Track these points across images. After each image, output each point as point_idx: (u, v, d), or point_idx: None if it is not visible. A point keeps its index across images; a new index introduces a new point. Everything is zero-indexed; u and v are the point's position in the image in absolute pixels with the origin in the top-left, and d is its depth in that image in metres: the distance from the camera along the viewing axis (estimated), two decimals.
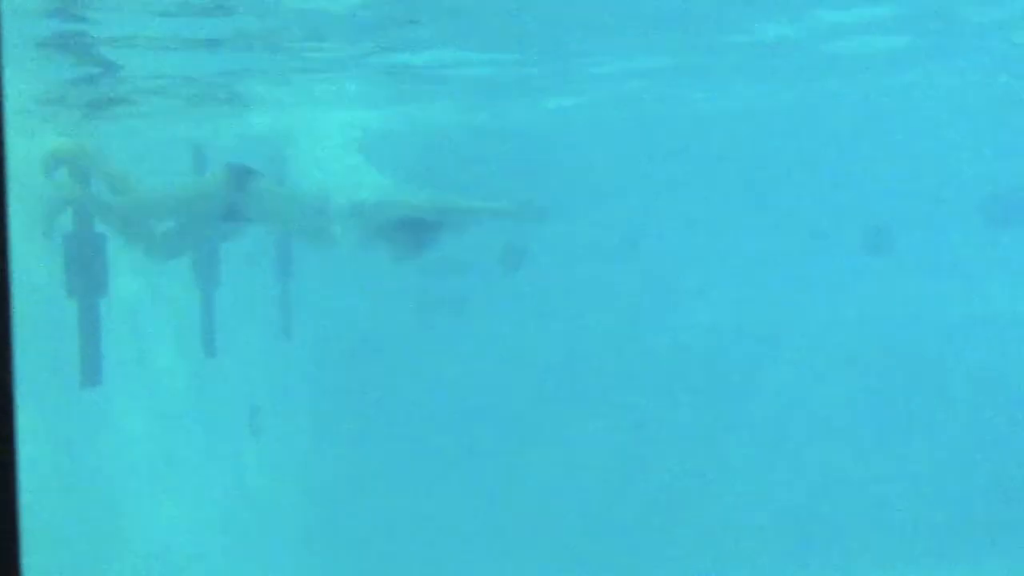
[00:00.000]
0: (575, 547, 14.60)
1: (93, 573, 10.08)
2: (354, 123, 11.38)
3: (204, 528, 12.01)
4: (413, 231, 8.56)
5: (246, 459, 13.18)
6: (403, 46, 9.37)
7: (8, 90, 1.54)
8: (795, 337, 15.53)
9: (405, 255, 8.73)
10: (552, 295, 15.30)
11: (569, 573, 14.36)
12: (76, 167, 9.18)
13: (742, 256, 15.34)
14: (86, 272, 10.24)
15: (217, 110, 11.43)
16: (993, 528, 14.41)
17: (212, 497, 12.40)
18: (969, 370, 15.23)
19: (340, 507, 14.72)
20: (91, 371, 10.36)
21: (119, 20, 7.62)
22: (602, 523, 14.92)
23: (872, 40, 10.84)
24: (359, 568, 14.57)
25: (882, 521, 14.81)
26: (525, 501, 14.98)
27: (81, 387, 10.25)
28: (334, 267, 14.09)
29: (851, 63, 12.00)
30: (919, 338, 15.46)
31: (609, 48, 10.30)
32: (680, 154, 14.81)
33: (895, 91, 14.08)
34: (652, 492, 15.07)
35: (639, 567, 14.55)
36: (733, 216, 15.08)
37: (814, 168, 14.94)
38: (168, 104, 10.64)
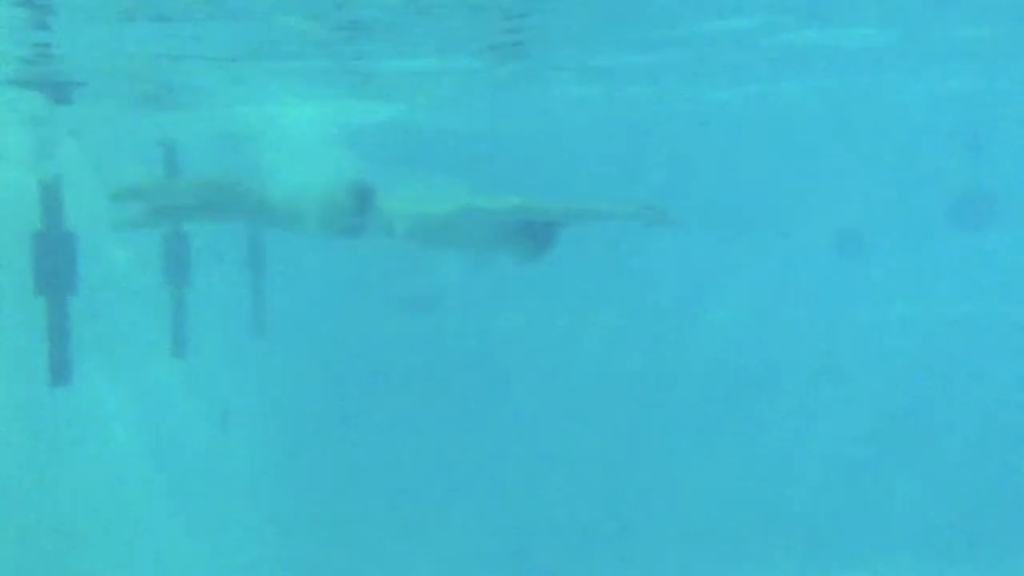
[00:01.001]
0: (548, 546, 14.60)
1: (60, 569, 10.01)
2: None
3: (172, 527, 11.94)
4: (535, 236, 8.58)
5: (216, 460, 13.12)
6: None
7: None
8: (765, 339, 15.57)
9: (528, 260, 8.71)
10: (523, 295, 15.30)
11: (545, 572, 14.36)
12: (149, 200, 9.02)
13: (710, 258, 15.38)
14: (55, 271, 10.19)
15: (185, 104, 11.38)
16: (965, 527, 14.48)
17: (181, 497, 12.33)
18: (942, 371, 15.31)
19: (312, 507, 14.67)
20: (60, 370, 10.30)
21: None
22: (575, 523, 14.92)
23: (842, 41, 10.88)
24: (332, 567, 14.53)
25: (855, 521, 14.87)
26: (499, 499, 14.97)
27: (50, 387, 10.19)
28: (306, 267, 14.04)
29: (821, 64, 12.04)
30: (890, 340, 15.53)
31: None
32: (634, 155, 14.83)
33: (865, 93, 14.15)
34: (626, 492, 15.09)
35: (612, 568, 14.56)
36: (698, 216, 15.09)
37: (782, 170, 14.98)
38: (132, 95, 10.60)
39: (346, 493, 15.04)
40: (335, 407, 15.27)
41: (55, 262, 10.18)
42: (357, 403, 15.28)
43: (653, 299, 15.69)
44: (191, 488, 12.64)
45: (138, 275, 12.05)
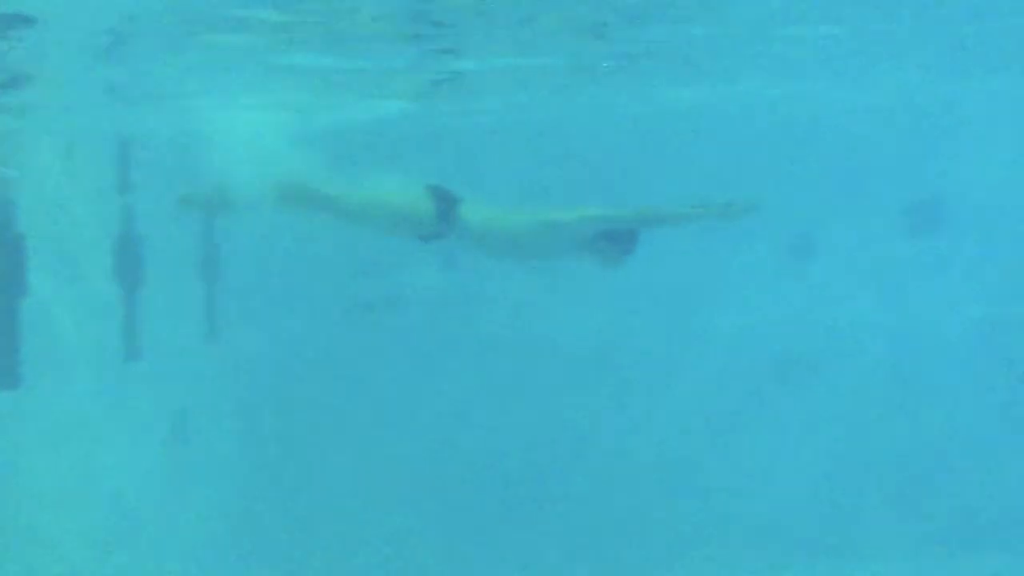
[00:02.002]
0: (502, 545, 14.58)
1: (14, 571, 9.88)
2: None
3: (124, 531, 11.83)
4: (617, 241, 8.62)
5: (169, 463, 13.01)
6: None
7: None
8: (714, 340, 15.61)
9: (612, 264, 8.74)
10: (485, 295, 15.28)
11: (497, 572, 14.34)
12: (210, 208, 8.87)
13: (661, 259, 15.38)
14: (5, 273, 10.07)
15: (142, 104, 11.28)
16: (918, 527, 14.58)
17: (133, 501, 12.21)
18: (888, 374, 15.41)
19: (266, 510, 14.58)
20: (10, 374, 10.17)
21: None
22: (529, 521, 14.91)
23: (797, 43, 10.92)
24: (289, 568, 14.44)
25: (805, 521, 14.93)
26: (457, 500, 14.93)
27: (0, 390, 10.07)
28: (263, 268, 13.94)
29: (775, 65, 12.08)
30: (840, 342, 15.61)
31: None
32: (592, 156, 14.83)
33: (819, 96, 14.22)
34: (588, 491, 15.09)
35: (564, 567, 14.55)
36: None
37: (735, 172, 15.02)
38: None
39: (302, 495, 14.96)
40: (291, 409, 15.18)
41: (5, 264, 10.05)
42: (313, 405, 15.19)
43: (606, 301, 15.70)
44: (145, 490, 12.52)
45: (91, 277, 11.91)
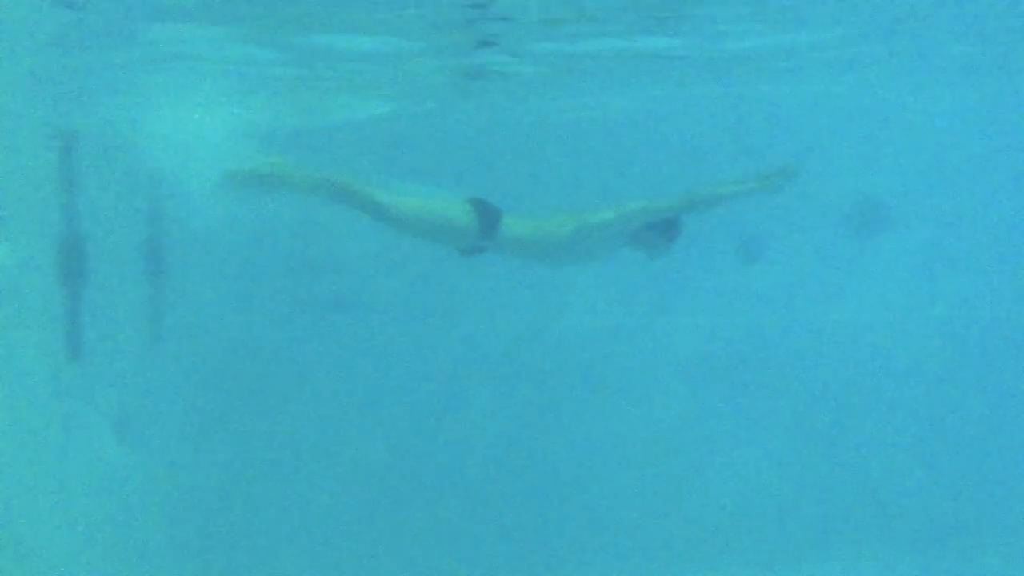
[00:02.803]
0: (450, 547, 14.54)
1: None
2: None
3: (65, 533, 11.68)
4: (662, 230, 8.68)
5: (113, 466, 12.87)
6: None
7: None
8: (661, 342, 15.64)
9: (658, 254, 8.83)
10: (430, 296, 15.23)
11: (450, 572, 14.30)
12: (266, 186, 8.71)
13: (612, 261, 15.38)
14: None
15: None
16: (853, 528, 14.68)
17: (77, 504, 12.07)
18: (833, 376, 15.49)
19: (213, 513, 14.47)
20: None
21: None
22: (481, 522, 14.89)
23: (743, 45, 10.97)
24: (230, 570, 14.33)
25: (741, 522, 14.99)
26: (405, 500, 14.87)
27: None
28: (208, 269, 13.83)
29: (724, 68, 12.13)
30: (784, 344, 15.68)
31: None
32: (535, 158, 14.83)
33: (764, 97, 14.29)
34: (535, 491, 15.06)
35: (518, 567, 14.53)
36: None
37: (683, 173, 15.04)
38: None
39: (251, 496, 14.86)
40: (237, 411, 15.07)
41: None
42: (260, 408, 15.09)
43: (559, 301, 15.71)
44: (86, 493, 12.37)
45: (33, 276, 11.75)
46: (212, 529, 14.46)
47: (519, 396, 15.36)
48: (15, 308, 11.22)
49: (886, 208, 15.75)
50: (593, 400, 15.41)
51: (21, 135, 11.14)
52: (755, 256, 16.01)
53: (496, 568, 14.61)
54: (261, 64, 10.68)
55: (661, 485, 15.20)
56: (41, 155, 10.96)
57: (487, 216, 8.59)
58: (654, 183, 9.56)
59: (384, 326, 15.24)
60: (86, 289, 11.89)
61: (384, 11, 8.68)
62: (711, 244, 15.25)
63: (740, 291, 15.93)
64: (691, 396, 15.38)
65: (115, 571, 12.57)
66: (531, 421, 15.37)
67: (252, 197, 8.71)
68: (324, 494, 14.92)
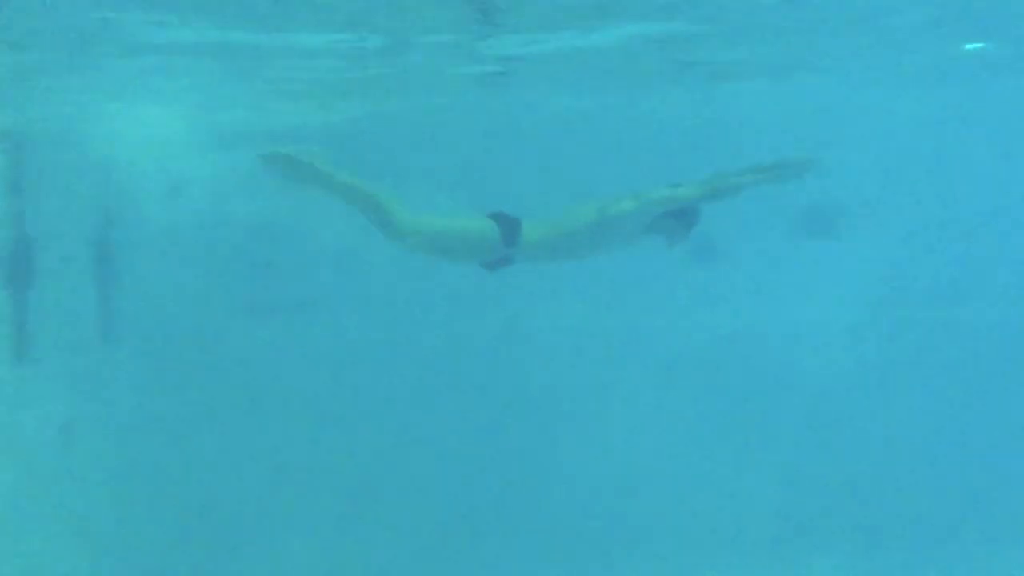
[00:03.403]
0: (411, 550, 14.50)
1: None
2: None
3: (12, 536, 11.56)
4: (681, 218, 8.67)
5: (59, 467, 12.76)
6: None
7: None
8: (614, 345, 15.68)
9: (677, 241, 8.76)
10: (383, 298, 15.18)
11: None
12: (296, 175, 8.54)
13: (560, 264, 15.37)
14: None
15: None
16: (809, 528, 14.73)
17: (24, 508, 11.95)
18: (782, 377, 15.56)
19: (158, 514, 14.36)
20: None
21: None
22: (441, 525, 14.85)
23: (696, 48, 10.97)
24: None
25: (698, 523, 15.02)
26: (359, 503, 14.80)
27: None
28: (159, 271, 13.73)
29: (679, 70, 12.13)
30: (735, 345, 15.75)
31: None
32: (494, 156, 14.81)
33: (718, 99, 14.30)
34: (495, 492, 15.04)
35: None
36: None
37: (636, 175, 15.05)
38: None
39: (198, 499, 14.75)
40: (187, 414, 14.97)
41: None
42: (210, 410, 15.00)
43: (498, 304, 15.72)
44: (32, 496, 12.25)
45: None
46: (165, 529, 14.37)
47: (481, 395, 15.35)
48: None
49: (837, 211, 15.83)
50: (559, 399, 15.42)
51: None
52: (710, 257, 16.07)
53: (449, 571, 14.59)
54: (218, 60, 10.61)
55: (622, 484, 15.22)
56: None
57: (508, 227, 8.53)
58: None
59: (344, 327, 15.19)
60: (33, 291, 11.77)
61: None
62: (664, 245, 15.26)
63: (698, 292, 15.98)
64: (654, 396, 15.42)
65: (68, 571, 12.49)
66: (495, 421, 15.36)
67: (282, 184, 8.57)
68: (280, 493, 14.84)
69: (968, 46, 11.64)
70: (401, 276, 14.24)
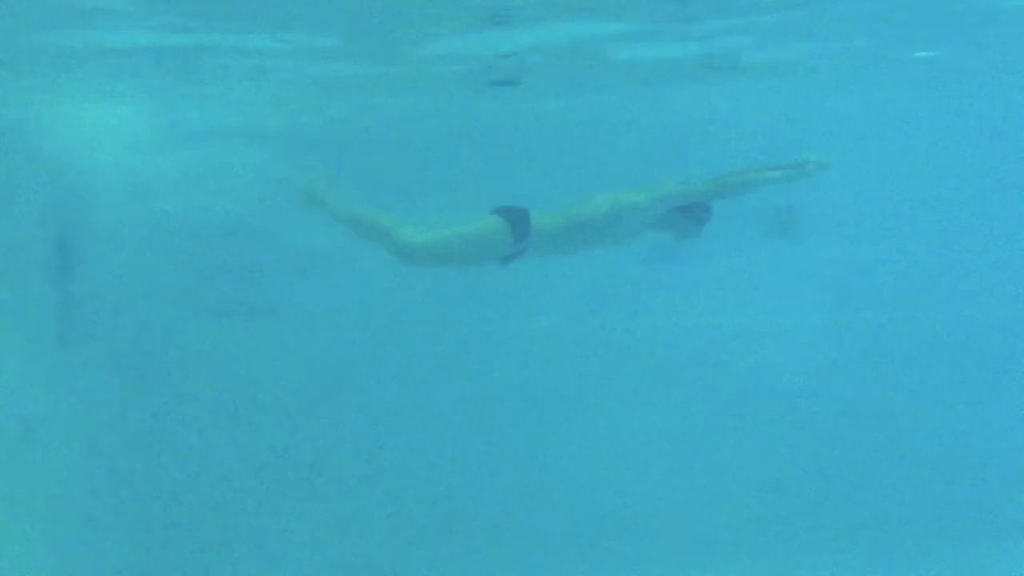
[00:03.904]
0: (384, 552, 14.44)
1: None
2: None
3: None
4: (693, 214, 8.71)
5: (17, 472, 12.60)
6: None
7: None
8: (579, 347, 15.65)
9: (689, 237, 8.84)
10: (346, 302, 15.09)
11: None
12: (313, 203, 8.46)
13: (524, 265, 15.34)
14: None
15: None
16: (764, 527, 14.78)
17: None
18: (748, 379, 15.59)
19: (117, 519, 14.23)
20: None
21: None
22: (401, 529, 14.80)
23: (660, 50, 10.98)
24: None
25: (656, 523, 15.03)
26: (318, 507, 14.71)
27: None
28: (120, 272, 13.59)
29: (637, 73, 12.14)
30: (699, 347, 15.77)
31: None
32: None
33: (679, 102, 14.33)
34: (463, 496, 14.99)
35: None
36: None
37: (601, 177, 15.04)
38: None
39: (156, 504, 14.62)
40: (147, 418, 14.83)
41: None
42: (172, 414, 14.86)
43: (460, 307, 15.67)
44: None
45: None
46: (122, 535, 14.24)
47: (455, 398, 15.29)
48: None
49: (801, 214, 15.88)
50: (533, 402, 15.39)
51: None
52: (670, 258, 16.07)
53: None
54: (176, 57, 10.50)
55: (584, 486, 15.21)
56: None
57: (517, 219, 8.51)
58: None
59: (306, 332, 15.09)
60: None
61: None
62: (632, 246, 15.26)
63: (659, 292, 15.98)
64: (626, 396, 15.42)
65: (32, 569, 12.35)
66: (470, 423, 15.31)
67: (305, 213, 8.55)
68: (240, 499, 14.74)
69: (919, 53, 11.76)
70: (375, 278, 14.18)
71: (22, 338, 12.77)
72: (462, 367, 15.30)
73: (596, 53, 10.90)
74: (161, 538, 14.40)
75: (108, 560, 13.98)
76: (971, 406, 15.49)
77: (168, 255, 14.28)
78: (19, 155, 12.64)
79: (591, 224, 8.56)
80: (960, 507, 14.71)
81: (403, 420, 15.19)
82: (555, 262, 9.59)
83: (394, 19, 9.04)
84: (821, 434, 15.50)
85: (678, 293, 15.96)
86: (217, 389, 14.80)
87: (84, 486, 14.01)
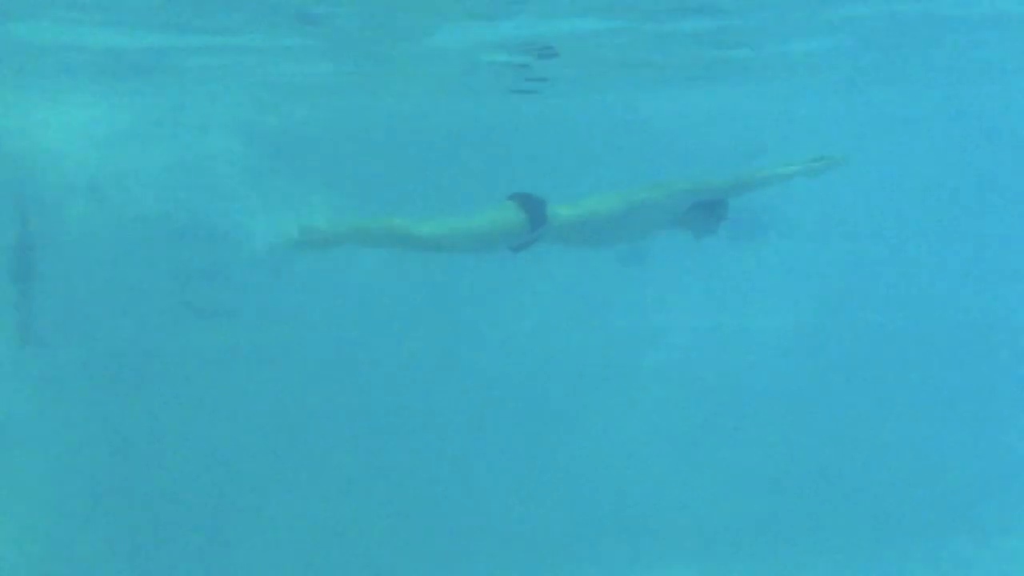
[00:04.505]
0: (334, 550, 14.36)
1: None
2: None
3: None
4: (711, 211, 8.76)
5: None
6: None
7: None
8: (543, 349, 15.66)
9: (705, 233, 8.85)
10: (310, 304, 15.02)
11: None
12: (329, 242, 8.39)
13: (486, 268, 15.36)
14: None
15: None
16: (743, 528, 14.83)
17: None
18: (711, 380, 15.66)
19: (84, 517, 14.09)
20: None
21: None
22: (361, 532, 14.73)
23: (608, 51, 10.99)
24: None
25: (613, 525, 15.06)
26: (283, 504, 14.61)
27: None
28: (81, 273, 13.46)
29: (599, 76, 12.15)
30: (662, 348, 15.80)
31: None
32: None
33: (644, 106, 14.38)
34: (410, 494, 14.94)
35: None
36: None
37: (563, 179, 15.04)
38: None
39: (123, 506, 14.48)
40: (110, 417, 14.69)
41: None
42: (134, 412, 14.74)
43: (437, 307, 15.61)
44: None
45: None
46: (85, 533, 14.10)
47: (417, 398, 15.25)
48: None
49: (766, 217, 15.96)
50: (495, 400, 15.37)
51: None
52: (637, 260, 16.10)
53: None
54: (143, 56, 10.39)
55: (537, 485, 15.21)
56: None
57: (534, 208, 8.48)
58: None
59: (267, 333, 15.00)
60: None
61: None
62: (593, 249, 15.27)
63: (623, 295, 16.00)
64: (588, 398, 15.42)
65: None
66: (431, 424, 15.28)
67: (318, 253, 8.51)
68: (200, 498, 14.61)
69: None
70: (338, 280, 14.11)
71: None
72: (430, 365, 15.29)
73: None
74: (131, 534, 14.30)
75: (80, 558, 13.86)
76: (950, 408, 15.66)
77: (135, 255, 14.19)
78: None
79: (609, 218, 8.59)
80: (943, 503, 14.85)
81: (384, 420, 15.16)
82: (543, 261, 9.61)
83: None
84: (798, 434, 15.61)
85: (644, 296, 16.00)
86: (185, 388, 14.71)
87: (53, 483, 13.90)
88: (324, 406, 15.02)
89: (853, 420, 15.60)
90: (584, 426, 15.48)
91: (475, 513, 14.89)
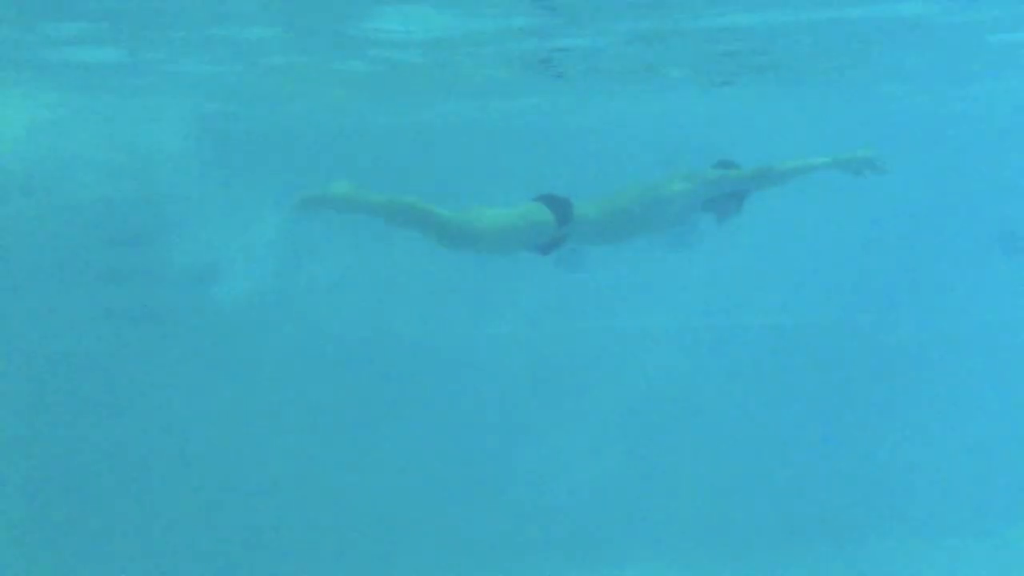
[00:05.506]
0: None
1: None
2: None
3: None
4: (732, 198, 8.90)
5: None
6: None
7: None
8: (486, 351, 15.60)
9: (726, 222, 9.01)
10: (245, 308, 14.73)
11: None
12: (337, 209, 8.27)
13: (434, 271, 15.29)
14: None
15: None
16: (699, 531, 14.86)
17: None
18: (670, 381, 15.69)
19: (19, 526, 13.66)
20: None
21: None
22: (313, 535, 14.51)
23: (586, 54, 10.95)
24: None
25: (539, 529, 15.04)
26: (234, 514, 14.33)
27: None
28: (15, 273, 13.07)
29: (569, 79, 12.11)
30: (598, 350, 15.82)
31: None
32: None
33: (603, 109, 14.38)
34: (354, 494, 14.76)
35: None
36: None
37: (513, 182, 14.99)
38: None
39: (52, 506, 14.08)
40: (42, 421, 14.29)
41: None
42: (68, 417, 14.35)
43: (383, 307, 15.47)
44: None
45: None
46: (20, 543, 13.69)
47: (355, 401, 14.99)
48: None
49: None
50: (418, 406, 15.22)
51: None
52: (578, 265, 16.01)
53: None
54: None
55: (476, 489, 15.13)
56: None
57: (560, 207, 8.49)
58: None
59: (202, 339, 14.73)
60: None
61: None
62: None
63: (561, 298, 16.00)
64: (513, 403, 15.38)
65: None
66: (355, 425, 15.08)
67: (321, 218, 8.32)
68: (136, 506, 14.30)
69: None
70: (266, 283, 13.88)
71: None
72: (376, 368, 15.14)
73: None
74: (40, 538, 13.93)
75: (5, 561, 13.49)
76: (881, 407, 15.86)
77: (65, 254, 13.86)
78: None
79: (635, 212, 8.65)
80: (871, 504, 15.02)
81: (319, 424, 14.96)
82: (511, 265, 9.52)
83: None
84: (740, 436, 15.69)
85: (581, 299, 16.00)
86: (115, 392, 14.35)
87: None
88: (258, 409, 14.83)
89: (813, 423, 15.76)
90: (542, 430, 15.45)
91: (440, 516, 14.79)
